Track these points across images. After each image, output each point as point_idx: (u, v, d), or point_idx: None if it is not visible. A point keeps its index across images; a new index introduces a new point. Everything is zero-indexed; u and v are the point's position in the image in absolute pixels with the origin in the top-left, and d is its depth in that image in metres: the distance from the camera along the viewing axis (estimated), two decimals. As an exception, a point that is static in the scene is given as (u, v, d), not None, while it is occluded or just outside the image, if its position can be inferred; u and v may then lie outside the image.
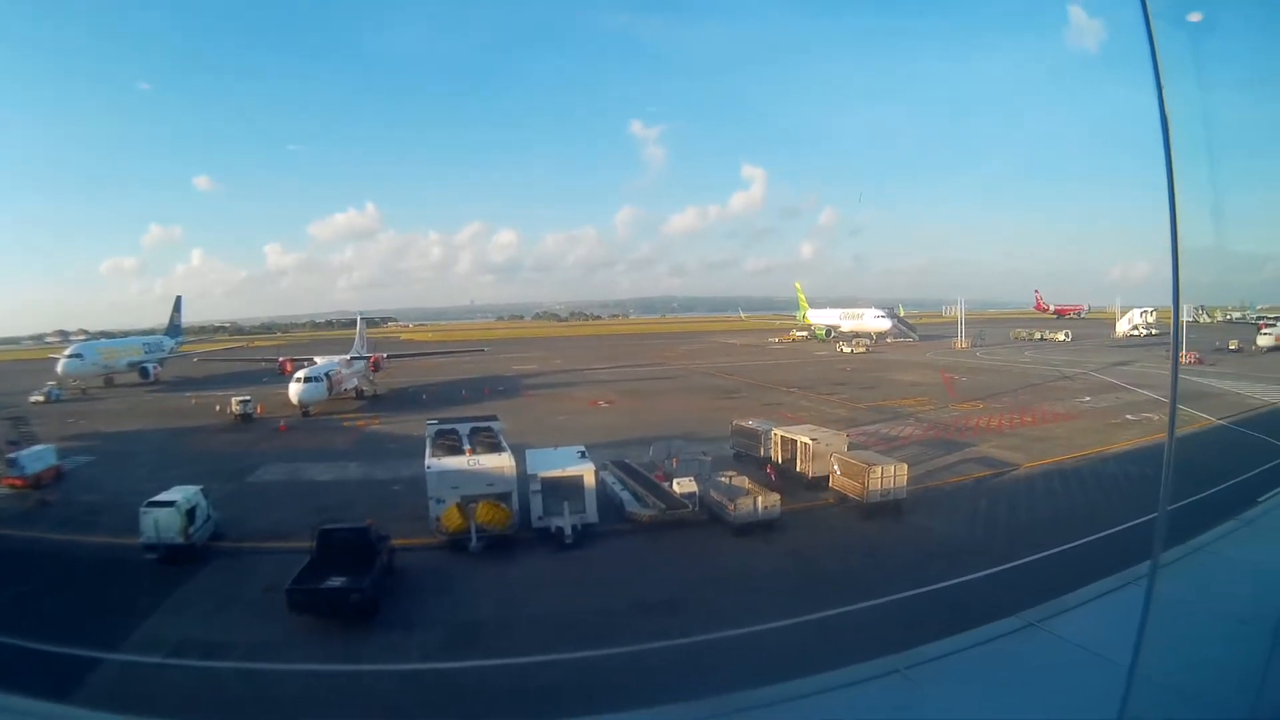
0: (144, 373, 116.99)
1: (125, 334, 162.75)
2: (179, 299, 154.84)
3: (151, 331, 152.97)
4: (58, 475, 51.01)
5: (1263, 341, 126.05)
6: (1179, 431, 57.01)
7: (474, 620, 29.14)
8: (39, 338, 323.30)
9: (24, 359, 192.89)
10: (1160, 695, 7.35)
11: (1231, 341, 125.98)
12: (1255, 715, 7.13)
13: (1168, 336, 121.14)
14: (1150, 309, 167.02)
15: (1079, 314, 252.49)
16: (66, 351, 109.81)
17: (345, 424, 74.51)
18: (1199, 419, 62.74)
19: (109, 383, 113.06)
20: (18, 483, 47.52)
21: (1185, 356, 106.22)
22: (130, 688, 24.33)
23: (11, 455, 48.93)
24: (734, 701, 7.37)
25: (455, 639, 27.65)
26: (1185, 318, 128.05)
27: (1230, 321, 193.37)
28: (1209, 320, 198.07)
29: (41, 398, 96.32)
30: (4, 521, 42.38)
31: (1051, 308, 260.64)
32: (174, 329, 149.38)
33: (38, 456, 50.07)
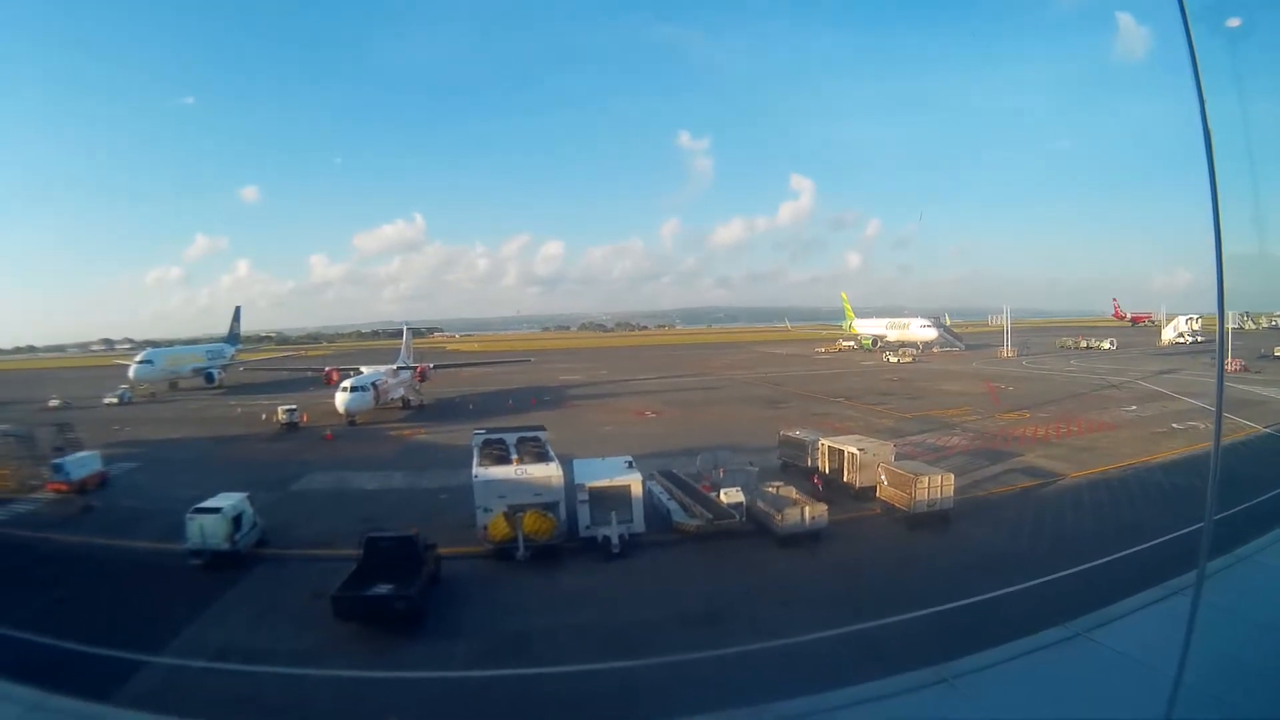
0: (209, 378, 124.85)
1: (170, 343, 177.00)
2: (238, 309, 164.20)
3: (212, 340, 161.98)
4: (102, 481, 51.53)
5: None
6: (1225, 441, 56.34)
7: (519, 629, 28.74)
8: (84, 346, 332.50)
9: (73, 366, 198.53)
10: (1204, 705, 7.51)
11: (1277, 348, 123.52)
12: None
13: (1212, 344, 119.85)
14: (1195, 316, 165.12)
15: (1151, 321, 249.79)
16: (137, 358, 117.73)
17: (391, 433, 74.83)
18: (1244, 427, 61.64)
19: (174, 386, 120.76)
20: (62, 488, 48.13)
21: (1230, 364, 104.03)
22: (173, 691, 24.22)
23: (57, 461, 49.62)
24: (780, 710, 7.71)
25: (500, 647, 27.22)
26: (1230, 325, 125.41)
27: (1275, 327, 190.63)
28: (1254, 327, 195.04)
29: (115, 400, 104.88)
30: (48, 526, 42.83)
31: (1129, 315, 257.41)
32: (233, 337, 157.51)
33: (82, 462, 50.68)
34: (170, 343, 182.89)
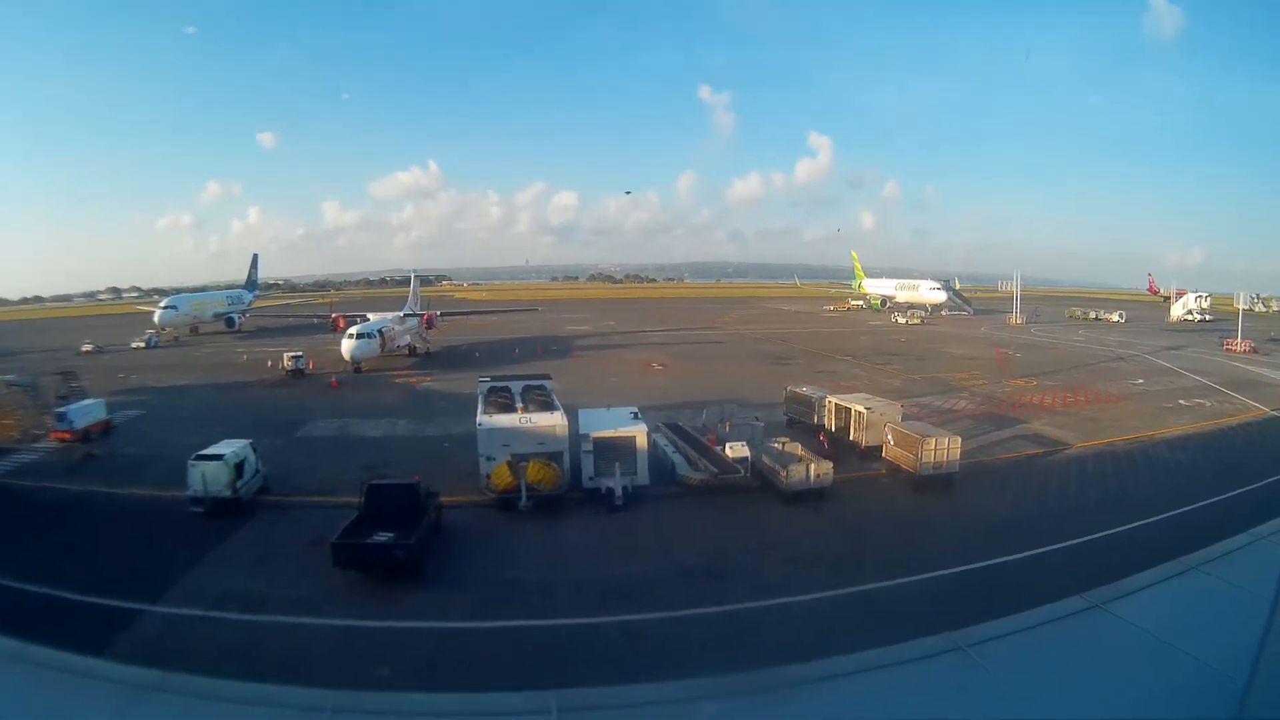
0: (230, 322, 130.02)
1: (179, 290, 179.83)
2: (256, 256, 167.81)
3: (220, 287, 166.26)
4: (106, 429, 51.23)
5: None
6: (1232, 420, 56.10)
7: (519, 580, 28.55)
8: (91, 295, 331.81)
9: (85, 315, 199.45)
10: (1222, 686, 7.20)
11: None
12: None
13: (1220, 322, 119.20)
14: (1205, 294, 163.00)
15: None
16: (162, 304, 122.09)
17: (397, 380, 74.65)
18: (1251, 408, 61.09)
19: (195, 331, 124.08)
20: (66, 436, 47.74)
21: (1240, 345, 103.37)
22: (171, 640, 24.01)
23: (60, 409, 49.25)
24: (787, 674, 7.44)
25: (499, 598, 27.03)
26: (1242, 305, 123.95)
27: None
28: (1264, 310, 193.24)
29: (142, 344, 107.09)
30: (51, 474, 42.57)
31: (1161, 291, 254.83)
32: (251, 284, 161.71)
33: (86, 410, 50.21)
34: (179, 290, 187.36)
